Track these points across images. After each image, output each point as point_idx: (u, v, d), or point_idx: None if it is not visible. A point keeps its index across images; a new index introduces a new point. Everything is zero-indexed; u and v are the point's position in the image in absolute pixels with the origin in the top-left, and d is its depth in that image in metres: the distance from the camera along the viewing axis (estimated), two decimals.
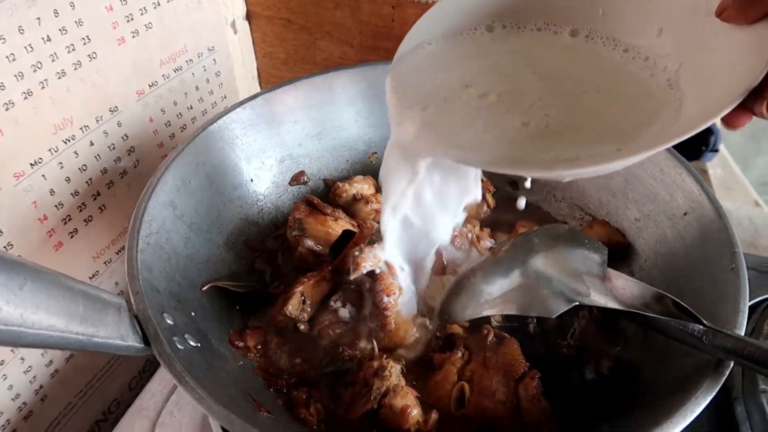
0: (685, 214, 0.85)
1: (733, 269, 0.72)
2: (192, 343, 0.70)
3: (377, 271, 0.76)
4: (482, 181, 1.01)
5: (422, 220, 0.74)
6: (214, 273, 0.86)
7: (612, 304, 0.69)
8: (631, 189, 0.95)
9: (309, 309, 0.80)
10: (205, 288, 0.81)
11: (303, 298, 0.80)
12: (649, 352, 0.76)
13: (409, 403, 0.69)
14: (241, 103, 0.97)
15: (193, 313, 0.76)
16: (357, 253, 0.76)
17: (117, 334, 0.60)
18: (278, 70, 1.43)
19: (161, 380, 0.88)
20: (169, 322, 0.69)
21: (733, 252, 0.74)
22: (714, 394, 0.60)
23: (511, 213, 0.99)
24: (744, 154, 2.53)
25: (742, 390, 0.80)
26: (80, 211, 0.94)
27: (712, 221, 0.80)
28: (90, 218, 0.97)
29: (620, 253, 0.91)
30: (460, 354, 0.75)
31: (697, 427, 0.83)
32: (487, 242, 0.93)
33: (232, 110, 0.96)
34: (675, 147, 0.57)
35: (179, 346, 0.66)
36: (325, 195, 1.03)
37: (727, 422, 0.81)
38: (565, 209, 1.05)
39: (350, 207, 0.96)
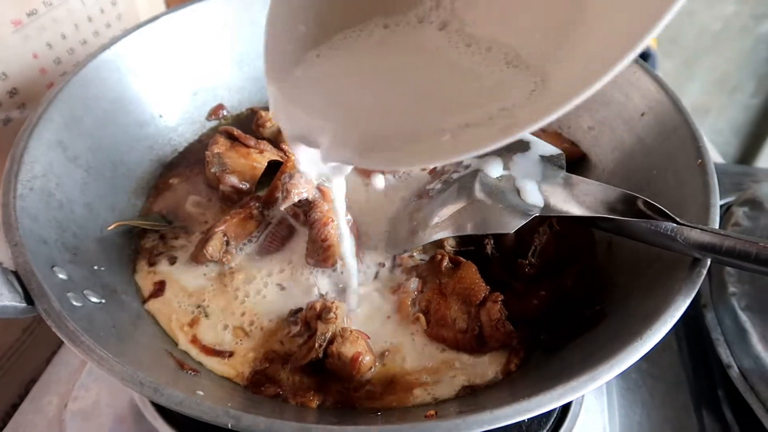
0: (642, 114, 0.78)
1: (700, 164, 0.66)
2: (94, 300, 0.58)
3: (311, 197, 0.66)
4: None
5: None
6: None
7: (575, 212, 0.61)
8: None
9: (233, 251, 0.70)
10: (110, 228, 0.69)
11: (225, 238, 0.69)
12: (615, 261, 0.70)
13: (359, 349, 0.60)
14: (140, 26, 0.84)
15: (95, 267, 0.65)
16: (287, 179, 0.66)
17: None
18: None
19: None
20: (61, 276, 0.57)
21: (697, 147, 0.68)
22: (693, 296, 0.54)
23: None
24: (677, 80, 2.54)
25: (710, 295, 0.76)
26: None
27: (672, 118, 0.73)
28: None
29: (575, 165, 0.84)
30: (413, 284, 0.67)
31: (667, 341, 0.80)
32: None
33: (127, 34, 0.82)
34: None
35: (75, 303, 0.55)
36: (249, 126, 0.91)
37: (696, 331, 0.77)
38: None
39: (276, 138, 0.85)
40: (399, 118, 0.51)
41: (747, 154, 2.71)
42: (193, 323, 0.66)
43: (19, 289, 0.51)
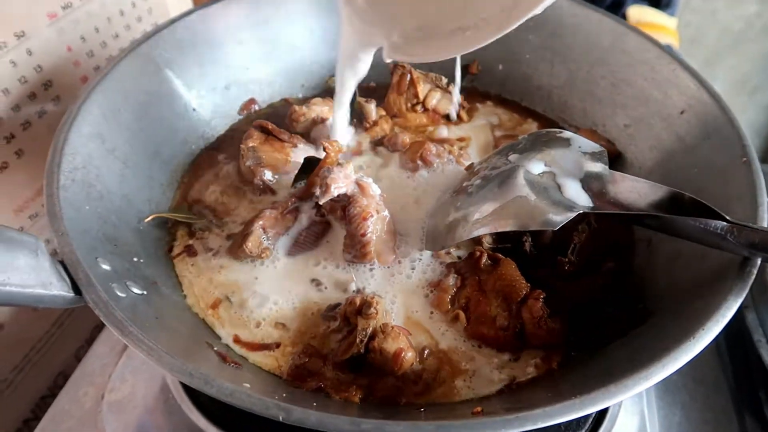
0: (682, 112, 0.77)
1: (745, 162, 0.65)
2: (136, 291, 0.58)
3: (349, 192, 0.66)
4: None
5: None
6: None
7: (621, 209, 0.61)
8: (618, 93, 0.86)
9: (271, 246, 0.69)
10: (147, 220, 0.69)
11: (264, 233, 0.69)
12: (656, 260, 0.69)
13: (401, 345, 0.59)
14: (172, 21, 0.83)
15: (135, 259, 0.65)
16: (326, 173, 0.65)
17: (36, 281, 0.48)
18: None
19: (108, 340, 0.76)
20: (105, 267, 0.57)
21: (743, 145, 0.67)
22: (744, 295, 0.53)
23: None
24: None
25: (752, 297, 0.75)
26: None
27: (714, 116, 0.72)
28: (5, 165, 0.82)
29: (610, 164, 0.83)
30: (452, 280, 0.66)
31: None
32: (464, 161, 0.83)
33: (161, 29, 0.82)
34: None
35: (119, 294, 0.55)
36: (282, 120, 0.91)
37: (737, 333, 0.76)
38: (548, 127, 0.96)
39: (309, 132, 0.85)
40: (438, 18, 0.69)
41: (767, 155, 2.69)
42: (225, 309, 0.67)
43: (67, 279, 0.51)
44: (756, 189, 0.62)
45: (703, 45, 2.46)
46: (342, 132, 0.83)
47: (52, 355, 0.97)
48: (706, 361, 0.75)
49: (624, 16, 1.48)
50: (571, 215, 0.59)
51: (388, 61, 0.73)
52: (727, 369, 0.75)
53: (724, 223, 0.55)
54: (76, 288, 0.51)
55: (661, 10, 1.50)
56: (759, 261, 0.55)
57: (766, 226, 0.58)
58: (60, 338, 0.98)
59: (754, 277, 0.55)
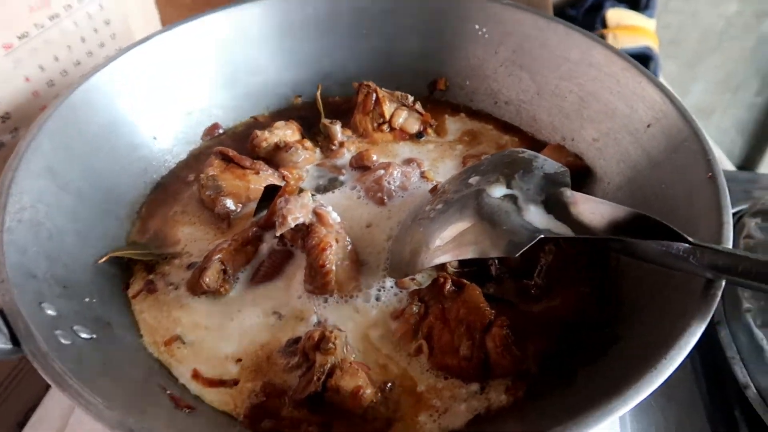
0: (648, 126, 0.76)
1: (710, 178, 0.64)
2: (84, 336, 0.56)
3: (307, 221, 0.64)
4: (422, 114, 0.90)
5: None
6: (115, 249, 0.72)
7: (581, 232, 0.59)
8: (586, 107, 0.85)
9: (231, 280, 0.68)
10: (101, 261, 0.67)
11: (223, 267, 0.67)
12: (624, 282, 0.68)
13: (360, 383, 0.57)
14: (129, 48, 0.82)
15: (87, 299, 0.63)
16: (282, 203, 0.64)
17: None
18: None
19: None
20: (50, 312, 0.55)
21: (707, 159, 0.65)
22: (708, 320, 0.52)
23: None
24: (681, 81, 2.52)
25: (724, 313, 0.73)
26: None
27: (679, 130, 0.71)
28: None
29: (579, 178, 0.82)
30: (415, 308, 0.65)
31: None
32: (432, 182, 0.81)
33: (117, 57, 0.80)
34: None
35: (63, 341, 0.52)
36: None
37: (710, 349, 0.74)
38: (514, 143, 0.94)
39: (273, 158, 0.83)
40: None
41: (753, 153, 2.69)
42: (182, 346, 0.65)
43: (5, 330, 0.49)
44: (721, 207, 0.60)
45: (685, 45, 2.46)
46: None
47: (21, 390, 0.94)
48: (679, 378, 0.73)
49: (603, 19, 1.47)
50: (530, 243, 0.58)
51: None
52: (702, 387, 0.73)
53: (686, 245, 0.54)
54: (14, 339, 0.49)
55: (640, 12, 1.50)
56: (723, 283, 0.54)
57: (730, 246, 0.56)
58: (29, 372, 0.95)
59: (718, 299, 0.53)
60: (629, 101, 0.79)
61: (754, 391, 0.67)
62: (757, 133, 2.67)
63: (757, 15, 2.35)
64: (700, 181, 0.65)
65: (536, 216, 0.62)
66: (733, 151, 2.69)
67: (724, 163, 1.38)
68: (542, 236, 0.59)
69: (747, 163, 2.69)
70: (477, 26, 0.93)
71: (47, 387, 0.98)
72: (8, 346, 0.49)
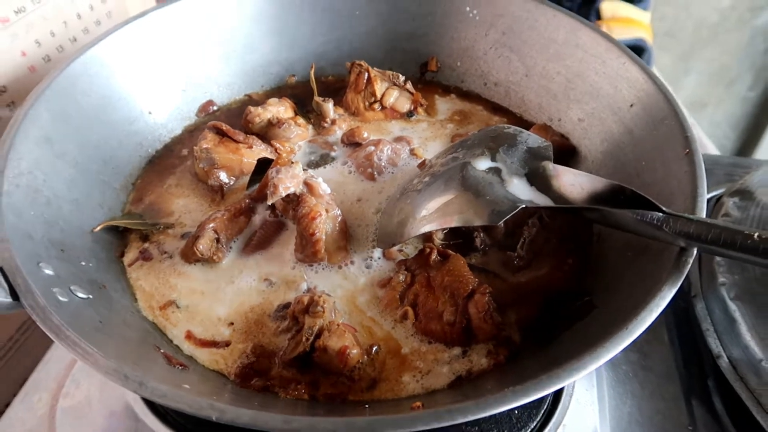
0: (631, 105, 0.78)
1: (687, 154, 0.66)
2: (81, 295, 0.58)
3: (298, 192, 0.66)
4: (413, 93, 0.92)
5: None
6: (111, 219, 0.74)
7: (561, 202, 0.61)
8: (572, 88, 0.87)
9: (224, 248, 0.70)
10: (97, 229, 0.69)
11: (216, 235, 0.69)
12: (605, 252, 0.70)
13: (346, 343, 0.60)
14: (127, 22, 0.83)
15: (83, 263, 0.65)
16: (274, 173, 0.65)
17: None
18: None
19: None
20: (48, 272, 0.57)
21: (685, 136, 0.68)
22: (679, 285, 0.54)
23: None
24: (674, 74, 2.54)
25: (700, 286, 0.76)
26: None
27: (660, 108, 0.73)
28: None
29: (565, 158, 0.84)
30: (401, 277, 0.67)
31: (657, 332, 0.80)
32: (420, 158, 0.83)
33: (115, 30, 0.81)
34: None
35: (61, 299, 0.55)
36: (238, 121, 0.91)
37: (686, 322, 0.77)
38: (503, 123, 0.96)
39: (266, 134, 0.85)
40: None
41: (745, 147, 2.71)
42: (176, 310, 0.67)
43: (5, 285, 0.51)
44: (696, 180, 0.63)
45: (679, 38, 2.47)
46: None
47: (16, 361, 0.96)
48: (657, 350, 0.76)
49: (598, 11, 1.49)
50: (512, 212, 0.60)
51: None
52: (678, 358, 0.76)
53: (660, 213, 0.56)
54: (14, 294, 0.51)
55: (634, 4, 1.51)
56: (695, 251, 0.56)
57: (703, 216, 0.59)
58: (25, 344, 0.97)
59: (689, 266, 0.55)
60: (613, 81, 0.81)
61: (726, 361, 0.70)
62: (750, 127, 2.69)
63: (752, 9, 2.36)
64: (678, 157, 0.67)
65: (519, 187, 0.64)
66: (725, 144, 2.71)
67: (714, 152, 1.40)
68: (524, 206, 0.61)
69: (739, 155, 2.72)
70: (468, 8, 0.95)
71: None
72: (8, 300, 0.51)
